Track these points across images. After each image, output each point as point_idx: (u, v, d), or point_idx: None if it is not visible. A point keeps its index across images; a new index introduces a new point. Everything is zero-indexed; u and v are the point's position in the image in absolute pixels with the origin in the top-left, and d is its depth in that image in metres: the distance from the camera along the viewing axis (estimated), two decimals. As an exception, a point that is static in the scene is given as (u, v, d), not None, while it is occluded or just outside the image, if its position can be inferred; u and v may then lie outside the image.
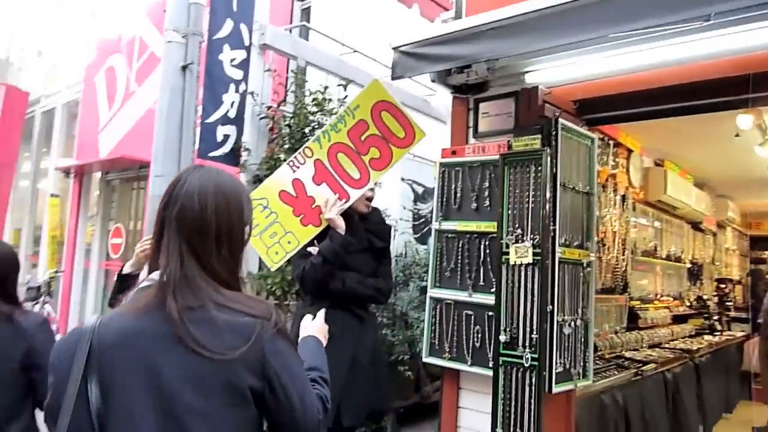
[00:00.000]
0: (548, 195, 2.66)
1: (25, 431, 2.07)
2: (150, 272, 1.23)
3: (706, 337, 6.06)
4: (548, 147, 2.70)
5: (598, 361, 3.92)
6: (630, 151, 5.10)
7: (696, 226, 6.89)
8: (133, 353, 1.11)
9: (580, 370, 2.83)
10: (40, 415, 2.10)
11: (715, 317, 6.74)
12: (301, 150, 2.84)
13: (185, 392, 1.10)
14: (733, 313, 7.47)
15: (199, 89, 4.16)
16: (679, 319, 6.17)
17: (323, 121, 4.80)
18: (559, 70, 2.92)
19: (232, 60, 4.26)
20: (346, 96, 4.92)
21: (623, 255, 4.71)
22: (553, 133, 2.72)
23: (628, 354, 4.41)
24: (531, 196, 2.70)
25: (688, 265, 6.61)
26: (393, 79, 2.92)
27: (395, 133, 2.79)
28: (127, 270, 2.53)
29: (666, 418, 4.39)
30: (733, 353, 6.61)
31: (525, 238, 2.69)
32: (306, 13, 5.69)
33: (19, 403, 2.07)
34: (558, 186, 2.70)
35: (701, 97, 2.74)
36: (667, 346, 5.17)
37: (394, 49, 2.91)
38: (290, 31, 5.37)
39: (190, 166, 1.36)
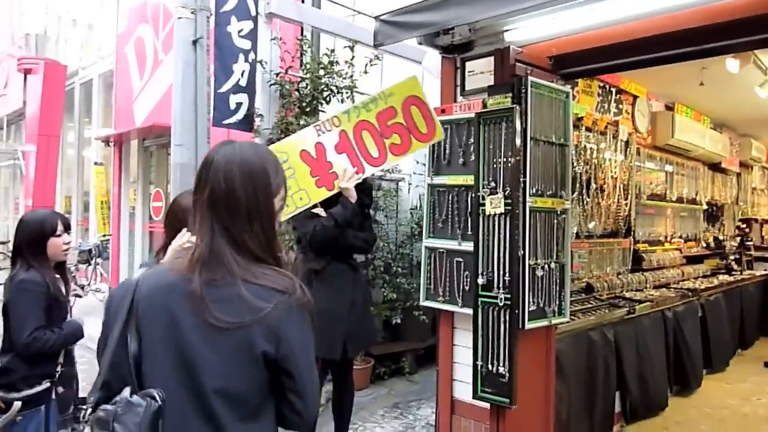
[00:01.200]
0: (517, 149, 2.86)
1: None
2: None
3: (721, 276, 6.16)
4: (518, 104, 2.89)
5: (591, 301, 4.16)
6: (635, 97, 5.16)
7: (716, 167, 6.87)
8: (161, 305, 1.25)
9: (555, 309, 3.09)
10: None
11: (733, 257, 6.80)
12: (329, 117, 3.03)
13: (200, 349, 1.22)
14: (755, 253, 7.49)
15: (211, 61, 4.45)
16: (694, 261, 6.29)
17: (332, 83, 5.04)
18: (534, 29, 3.07)
19: (239, 31, 4.51)
20: (353, 56, 5.12)
21: (626, 200, 4.85)
22: (523, 90, 2.90)
23: (628, 294, 4.61)
24: (503, 150, 2.92)
25: (705, 207, 6.65)
26: (375, 46, 3.13)
27: (419, 127, 3.02)
28: None
29: (665, 354, 4.62)
30: (753, 292, 6.70)
31: (498, 190, 2.93)
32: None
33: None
34: (528, 140, 2.91)
35: (668, 48, 2.86)
36: (675, 286, 5.34)
37: (376, 18, 3.11)
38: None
39: (218, 144, 1.41)
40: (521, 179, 2.89)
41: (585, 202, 4.33)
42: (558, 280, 3.11)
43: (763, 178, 8.57)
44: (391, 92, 3.06)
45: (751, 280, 6.66)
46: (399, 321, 5.34)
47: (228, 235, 1.27)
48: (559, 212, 3.10)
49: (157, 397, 1.20)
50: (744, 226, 7.45)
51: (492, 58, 3.28)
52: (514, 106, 2.88)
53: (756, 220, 7.97)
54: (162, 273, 1.31)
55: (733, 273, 6.52)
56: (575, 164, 4.16)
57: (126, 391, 1.23)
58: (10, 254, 2.64)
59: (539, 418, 3.21)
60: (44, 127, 10.52)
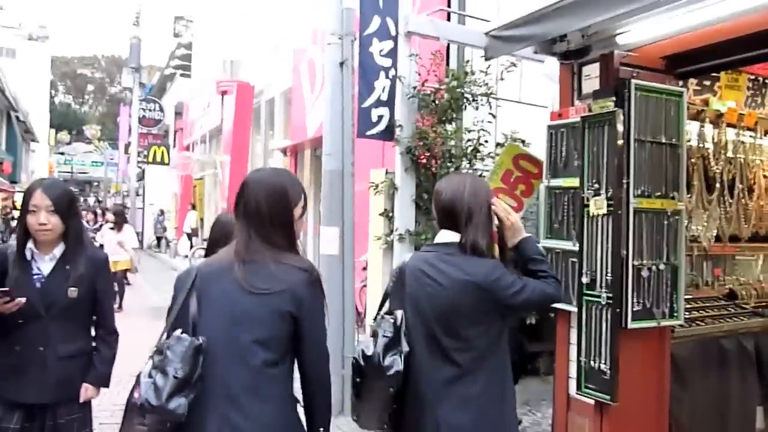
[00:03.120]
0: (619, 151, 2.92)
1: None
2: None
3: None
4: (621, 107, 2.94)
5: (731, 308, 3.92)
6: (802, 87, 4.68)
7: None
8: (216, 282, 1.76)
9: (665, 310, 3.06)
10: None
11: None
12: None
13: (245, 310, 1.71)
14: None
15: (355, 79, 5.00)
16: None
17: (467, 92, 5.33)
18: (646, 30, 3.07)
19: (380, 51, 5.00)
20: (488, 66, 5.36)
21: (784, 201, 4.43)
22: (626, 93, 2.94)
23: (786, 304, 4.23)
24: (606, 153, 2.99)
25: None
26: (486, 59, 3.38)
27: (531, 171, 4.18)
28: None
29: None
30: None
31: (601, 192, 3.00)
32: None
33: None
34: (632, 142, 2.94)
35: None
36: None
37: (485, 34, 3.37)
38: (448, 16, 5.94)
39: (251, 171, 1.94)
40: (624, 181, 2.94)
41: (727, 204, 4.08)
42: (669, 282, 3.08)
43: None
44: (502, 161, 4.18)
45: None
46: (534, 322, 5.43)
47: (259, 234, 1.77)
48: (669, 213, 3.07)
49: (200, 339, 1.68)
50: None
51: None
52: (617, 109, 2.94)
53: None
54: (215, 260, 1.87)
55: None
56: (713, 164, 3.97)
57: (178, 331, 1.70)
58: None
59: (650, 420, 3.18)
60: (236, 140, 12.20)
